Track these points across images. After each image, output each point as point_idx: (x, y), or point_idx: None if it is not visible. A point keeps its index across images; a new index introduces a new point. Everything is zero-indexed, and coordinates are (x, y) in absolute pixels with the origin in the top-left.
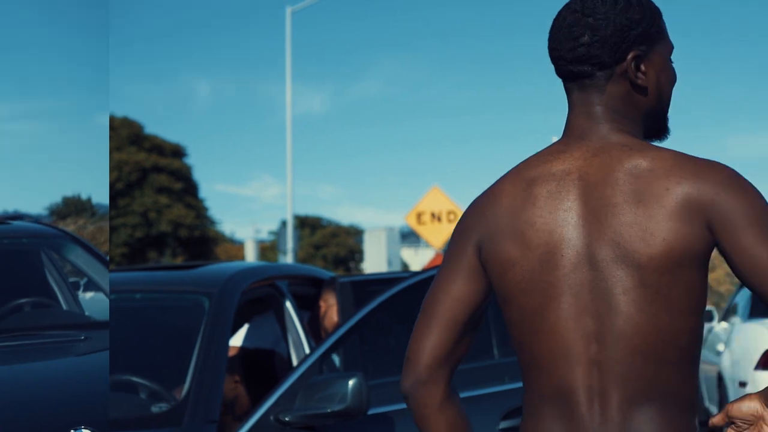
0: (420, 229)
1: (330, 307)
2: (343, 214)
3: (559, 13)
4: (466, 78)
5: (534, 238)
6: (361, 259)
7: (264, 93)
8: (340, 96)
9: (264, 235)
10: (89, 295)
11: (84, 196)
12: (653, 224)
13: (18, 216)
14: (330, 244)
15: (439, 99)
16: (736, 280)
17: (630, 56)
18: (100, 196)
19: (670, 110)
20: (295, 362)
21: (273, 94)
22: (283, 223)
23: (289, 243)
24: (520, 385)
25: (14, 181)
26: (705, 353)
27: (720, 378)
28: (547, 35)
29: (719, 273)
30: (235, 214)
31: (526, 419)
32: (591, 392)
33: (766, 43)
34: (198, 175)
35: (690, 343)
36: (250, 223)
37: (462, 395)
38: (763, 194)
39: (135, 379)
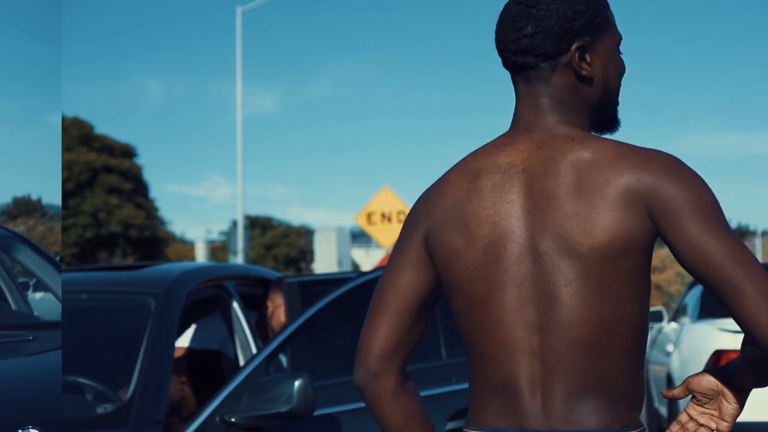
0: (370, 230)
1: (277, 308)
2: (294, 215)
3: (506, 5)
4: (416, 79)
5: (478, 229)
6: (311, 260)
7: (215, 93)
8: (291, 96)
9: (215, 236)
10: (39, 295)
11: (34, 197)
12: (594, 215)
13: None
14: (281, 244)
15: (389, 100)
16: (687, 280)
17: (573, 47)
18: (51, 196)
19: (622, 104)
20: (242, 363)
21: (224, 95)
22: (234, 224)
23: (240, 243)
24: (467, 385)
25: None
26: (654, 354)
27: (669, 378)
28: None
29: (669, 273)
30: (186, 214)
31: (472, 409)
32: (534, 384)
33: (715, 44)
34: (148, 175)
35: (634, 334)
36: (201, 224)
37: None
38: (706, 182)
39: (81, 379)
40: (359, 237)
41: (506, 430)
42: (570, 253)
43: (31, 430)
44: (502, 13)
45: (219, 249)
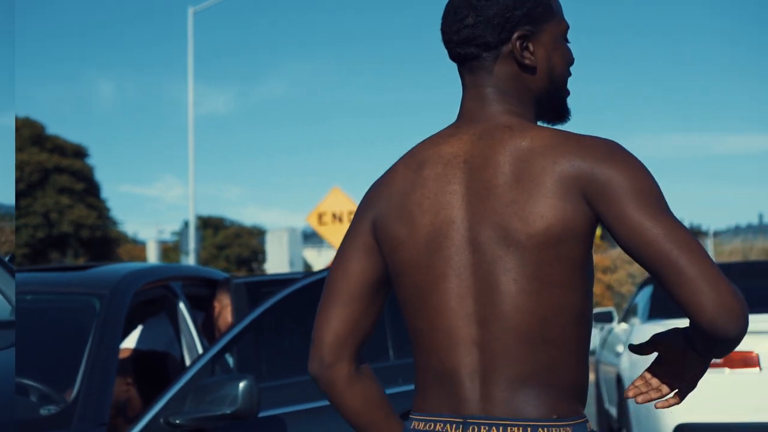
0: (321, 230)
1: (224, 308)
2: (248, 215)
3: None
4: (368, 80)
5: (420, 219)
6: (264, 260)
7: (168, 93)
8: (245, 97)
9: (167, 236)
10: None
11: None
12: (531, 203)
13: None
14: (233, 244)
15: (341, 101)
16: (638, 281)
17: (514, 36)
18: (4, 196)
19: (575, 102)
20: (188, 364)
21: (177, 95)
22: (186, 224)
23: (192, 244)
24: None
25: None
26: (605, 354)
27: (619, 380)
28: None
29: (621, 274)
30: (138, 214)
31: (416, 396)
32: (473, 373)
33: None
34: (100, 175)
35: (574, 323)
36: (153, 224)
37: None
38: (645, 165)
39: (25, 381)
40: (312, 237)
41: (447, 415)
42: (509, 242)
43: None
44: (446, 5)
45: (171, 249)
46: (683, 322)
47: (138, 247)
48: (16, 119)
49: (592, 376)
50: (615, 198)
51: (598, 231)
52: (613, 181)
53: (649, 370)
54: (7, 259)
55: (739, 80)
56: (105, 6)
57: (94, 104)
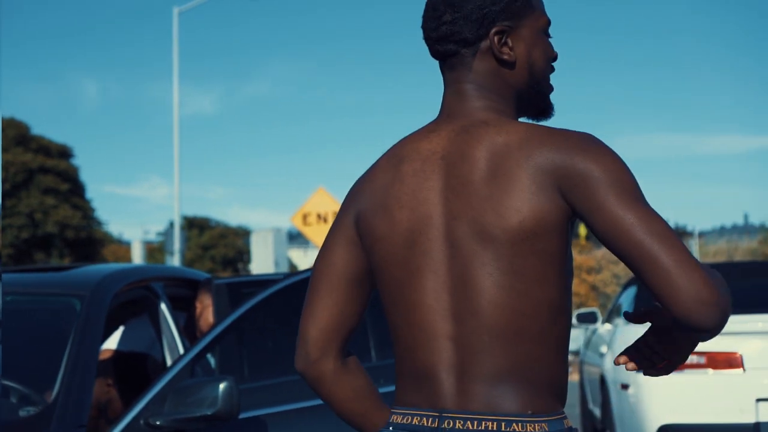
0: (306, 230)
1: (205, 309)
2: (233, 215)
3: None
4: (352, 80)
5: (398, 214)
6: (249, 260)
7: (153, 94)
8: (230, 97)
9: (152, 236)
10: None
11: None
12: (506, 198)
13: None
14: (218, 245)
15: (327, 100)
16: (622, 281)
17: (492, 32)
18: None
19: (559, 100)
20: (169, 365)
21: (162, 95)
22: (171, 224)
23: (177, 244)
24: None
25: None
26: (589, 355)
27: (603, 380)
28: None
29: (606, 274)
30: (123, 215)
31: (396, 391)
32: (449, 368)
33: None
34: (85, 176)
35: (550, 318)
36: (138, 224)
37: None
38: (620, 156)
39: (4, 382)
40: (297, 238)
41: (424, 409)
42: (484, 237)
43: None
44: (426, 2)
45: (156, 250)
46: None
47: (123, 247)
48: (1, 119)
49: (576, 377)
50: (590, 189)
51: (583, 231)
52: (588, 172)
53: (641, 339)
54: None
55: (723, 81)
56: (89, 6)
57: (79, 104)
